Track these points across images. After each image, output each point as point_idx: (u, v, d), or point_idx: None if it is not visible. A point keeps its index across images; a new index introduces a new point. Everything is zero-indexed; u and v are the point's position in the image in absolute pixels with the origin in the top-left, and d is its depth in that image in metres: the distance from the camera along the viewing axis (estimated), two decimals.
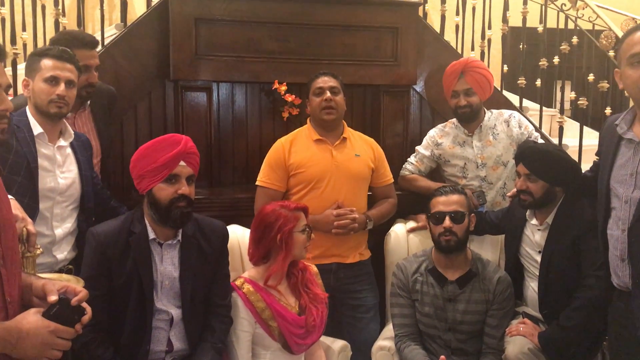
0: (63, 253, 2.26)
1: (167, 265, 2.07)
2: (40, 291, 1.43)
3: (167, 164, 1.98)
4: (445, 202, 2.44)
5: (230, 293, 2.18)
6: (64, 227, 2.27)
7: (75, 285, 1.52)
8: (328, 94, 2.67)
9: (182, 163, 2.01)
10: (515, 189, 2.69)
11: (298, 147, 2.71)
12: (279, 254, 2.19)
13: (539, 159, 2.39)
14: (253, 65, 3.17)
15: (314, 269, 2.41)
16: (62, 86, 2.17)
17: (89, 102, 2.66)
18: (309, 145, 2.71)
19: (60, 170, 2.25)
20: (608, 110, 3.73)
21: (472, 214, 2.49)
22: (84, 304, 1.42)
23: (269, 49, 3.18)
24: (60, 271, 2.22)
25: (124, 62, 3.08)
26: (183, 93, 3.12)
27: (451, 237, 2.37)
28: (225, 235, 2.22)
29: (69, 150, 2.32)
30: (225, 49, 3.13)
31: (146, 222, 2.06)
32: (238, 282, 2.19)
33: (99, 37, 3.14)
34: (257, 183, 2.72)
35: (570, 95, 3.79)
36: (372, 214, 2.74)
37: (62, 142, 2.28)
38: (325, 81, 2.71)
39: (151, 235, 2.05)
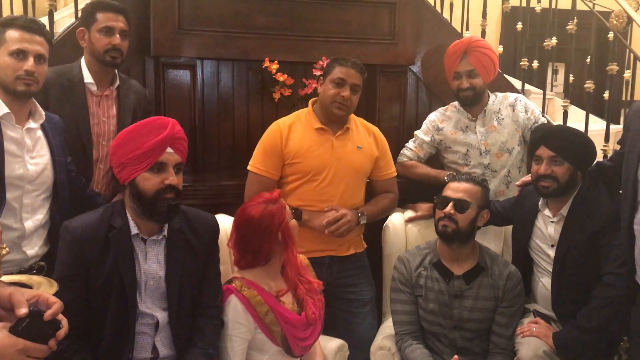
0: (34, 248, 2.04)
1: (151, 263, 1.86)
2: (6, 302, 1.22)
3: (152, 150, 1.77)
4: (455, 189, 2.29)
5: (221, 293, 1.99)
6: (35, 219, 2.04)
7: (48, 291, 1.33)
8: (348, 91, 2.44)
9: (169, 150, 1.80)
10: (524, 178, 2.56)
11: (297, 133, 2.49)
12: (284, 250, 2.02)
13: (566, 138, 2.25)
14: (241, 42, 2.95)
15: (305, 260, 2.26)
16: (30, 61, 1.95)
17: (117, 85, 2.53)
18: (309, 133, 2.50)
19: (30, 156, 2.03)
20: (606, 95, 3.61)
21: (486, 210, 2.32)
22: (59, 315, 1.22)
23: (258, 24, 2.96)
24: (30, 269, 2.00)
25: None
26: (165, 71, 2.90)
27: (449, 223, 2.22)
28: (216, 230, 2.03)
29: (39, 133, 2.09)
30: (211, 23, 2.90)
31: (128, 215, 1.84)
32: (236, 285, 1.99)
33: (71, 9, 2.90)
34: (249, 168, 2.51)
35: (570, 78, 3.64)
36: (366, 210, 2.56)
37: (31, 124, 2.05)
38: (350, 75, 2.45)
39: (134, 230, 1.84)
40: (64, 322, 1.24)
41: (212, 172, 3.08)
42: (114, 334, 1.80)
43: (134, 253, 1.83)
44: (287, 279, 2.07)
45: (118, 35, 2.41)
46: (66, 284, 1.66)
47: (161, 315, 1.87)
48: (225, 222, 2.43)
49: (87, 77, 2.44)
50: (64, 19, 3.43)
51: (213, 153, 3.13)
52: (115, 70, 2.54)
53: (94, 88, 2.46)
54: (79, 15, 2.48)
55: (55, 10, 3.05)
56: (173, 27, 2.84)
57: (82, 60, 2.48)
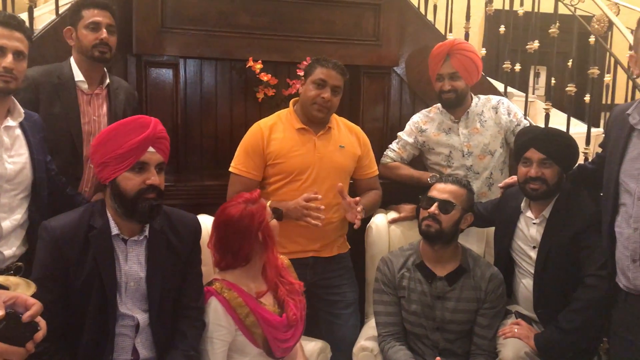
0: (11, 249, 1.99)
1: (132, 264, 1.83)
2: None
3: (133, 150, 1.74)
4: (441, 190, 2.29)
5: (202, 294, 1.96)
6: (13, 218, 2.00)
7: (26, 292, 1.29)
8: (329, 93, 2.43)
9: (150, 149, 1.77)
10: (507, 180, 2.57)
11: (279, 134, 2.48)
12: (265, 250, 2.00)
13: (556, 142, 2.26)
14: (224, 41, 2.93)
15: (286, 261, 2.24)
16: (9, 57, 1.91)
17: (107, 82, 2.52)
18: (290, 134, 2.48)
19: (7, 154, 1.98)
20: (587, 98, 3.65)
21: (470, 213, 2.32)
22: (37, 317, 1.19)
23: (242, 23, 2.95)
24: (8, 269, 1.96)
25: None
26: (147, 69, 2.87)
27: (432, 223, 2.22)
28: (198, 230, 2.00)
29: (18, 132, 2.04)
30: (194, 21, 2.88)
31: (108, 215, 1.81)
32: (217, 286, 1.97)
33: (52, 6, 2.85)
34: (231, 170, 2.50)
35: (551, 81, 3.67)
36: (362, 202, 2.52)
37: (9, 122, 2.01)
38: (331, 76, 2.44)
39: (114, 230, 1.80)
40: (42, 324, 1.22)
41: (195, 172, 3.05)
42: (94, 335, 1.76)
43: (115, 254, 1.80)
44: (267, 280, 2.05)
45: (105, 30, 2.42)
46: (45, 285, 1.63)
47: (142, 317, 1.84)
48: (207, 223, 2.38)
49: (78, 76, 2.44)
50: (44, 16, 3.39)
51: (195, 153, 3.10)
52: (105, 69, 2.54)
53: (84, 86, 2.46)
54: (68, 15, 2.48)
55: (35, 7, 3.00)
56: (156, 25, 2.82)
57: (72, 59, 2.48)
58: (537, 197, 2.27)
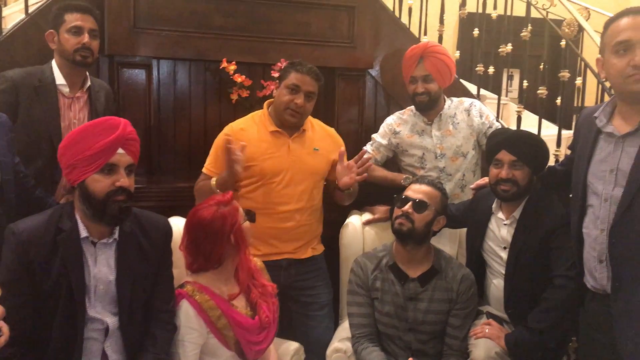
0: None
1: (101, 267, 1.81)
2: None
3: (102, 151, 1.72)
4: (416, 190, 2.32)
5: (174, 297, 1.95)
6: None
7: None
8: (302, 99, 2.42)
9: (120, 151, 1.76)
10: (479, 181, 2.59)
11: (251, 136, 2.47)
12: (237, 253, 1.99)
13: (527, 144, 2.29)
14: (198, 42, 2.91)
15: (259, 263, 2.23)
16: None
17: (88, 85, 2.52)
18: (264, 136, 2.47)
19: None
20: (558, 101, 3.70)
21: (442, 216, 2.34)
22: (0, 322, 1.17)
23: (216, 24, 2.93)
24: None
25: None
26: (119, 70, 2.84)
27: (405, 221, 2.24)
28: (169, 232, 1.98)
29: None
30: (167, 22, 2.85)
31: (77, 217, 1.78)
32: (188, 289, 1.95)
33: (22, 5, 2.81)
34: (203, 170, 2.50)
35: (524, 83, 3.72)
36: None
37: None
38: (305, 82, 2.42)
39: (83, 233, 1.78)
40: (5, 329, 1.19)
41: (168, 174, 3.02)
42: (62, 339, 1.74)
43: (83, 257, 1.78)
44: (239, 282, 2.04)
45: (87, 34, 2.42)
46: (11, 289, 1.60)
47: (111, 320, 1.82)
48: (180, 225, 2.35)
49: (59, 79, 2.44)
50: (14, 15, 3.33)
51: (169, 154, 3.07)
52: (87, 72, 2.54)
53: (65, 90, 2.45)
54: (50, 19, 2.46)
55: (5, 5, 2.95)
56: (128, 25, 2.78)
57: (53, 62, 2.47)
58: (508, 198, 2.29)
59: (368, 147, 2.96)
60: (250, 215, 2.07)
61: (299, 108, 2.42)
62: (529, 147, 2.28)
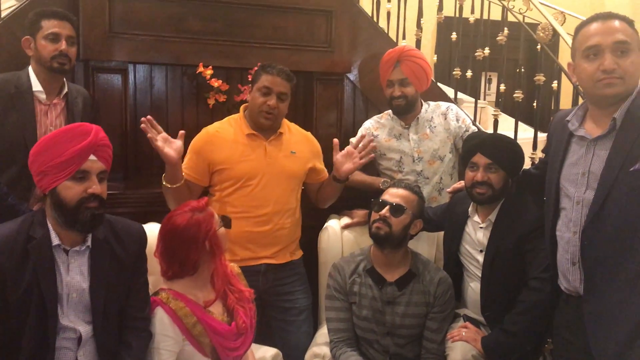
0: None
1: (74, 275, 1.78)
2: None
3: (74, 158, 1.69)
4: (393, 194, 2.32)
5: (149, 304, 1.93)
6: None
7: None
8: (274, 100, 2.42)
9: (92, 157, 1.73)
10: (456, 185, 2.61)
11: (227, 140, 2.46)
12: (212, 260, 1.97)
13: (502, 147, 2.30)
14: (174, 46, 2.90)
15: (236, 268, 2.22)
16: None
17: (65, 92, 2.50)
18: (240, 139, 2.47)
19: None
20: (535, 104, 3.74)
21: (419, 220, 2.35)
22: None
23: (192, 28, 2.92)
24: None
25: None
26: (95, 75, 2.82)
27: (383, 225, 2.25)
28: (143, 239, 1.95)
29: None
30: (143, 26, 2.84)
31: (49, 225, 1.75)
32: (163, 296, 1.94)
33: None
34: None
35: (501, 87, 3.75)
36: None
37: None
38: (276, 83, 2.43)
39: (55, 240, 1.75)
40: None
41: (144, 180, 2.99)
42: (33, 349, 1.70)
43: (55, 265, 1.74)
44: (215, 289, 2.02)
45: (64, 42, 2.40)
46: None
47: (84, 329, 1.78)
48: (157, 231, 2.33)
49: (36, 86, 2.42)
50: None
51: (145, 159, 3.04)
52: (64, 79, 2.52)
53: (42, 96, 2.44)
54: (27, 25, 2.43)
55: None
56: (103, 29, 2.77)
57: (30, 69, 2.45)
58: (483, 201, 2.31)
59: None
60: (226, 221, 2.06)
61: (272, 109, 2.42)
62: (504, 150, 2.29)
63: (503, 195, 2.31)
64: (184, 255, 1.93)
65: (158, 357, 1.88)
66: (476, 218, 2.38)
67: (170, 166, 2.31)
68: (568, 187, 1.88)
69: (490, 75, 5.31)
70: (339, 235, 2.76)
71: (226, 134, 2.47)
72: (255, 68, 2.87)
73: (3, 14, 2.77)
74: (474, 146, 2.34)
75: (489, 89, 5.53)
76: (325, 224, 2.79)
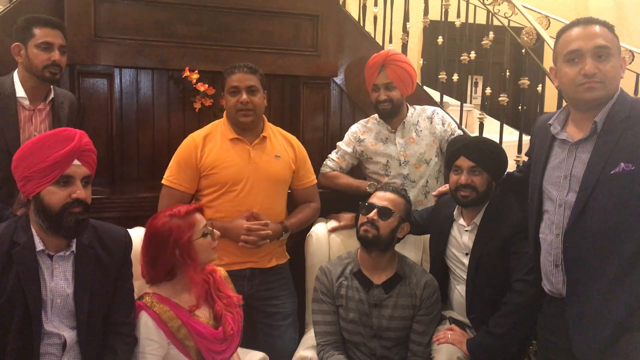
0: None
1: (58, 280, 1.77)
2: None
3: (58, 163, 1.69)
4: (380, 197, 2.34)
5: (134, 309, 1.92)
6: None
7: None
8: (244, 95, 2.42)
9: (76, 162, 1.73)
10: (441, 188, 2.62)
11: (212, 145, 2.46)
12: (186, 268, 1.95)
13: (485, 150, 2.32)
14: (160, 50, 2.89)
15: (223, 272, 2.21)
16: None
17: (51, 97, 2.47)
18: (225, 144, 2.47)
19: None
20: (520, 107, 3.77)
21: (407, 223, 2.36)
22: None
23: (178, 32, 2.91)
24: None
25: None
26: (80, 79, 2.80)
27: (370, 228, 2.26)
28: (128, 244, 1.94)
29: None
30: (129, 30, 2.83)
31: (33, 230, 1.74)
32: (147, 300, 1.93)
33: None
34: (163, 182, 2.47)
35: (487, 91, 3.78)
36: (290, 223, 2.56)
37: None
38: (241, 79, 2.43)
39: (39, 246, 1.74)
40: None
41: (130, 184, 2.98)
42: (17, 354, 1.69)
43: (39, 270, 1.74)
44: (196, 296, 2.01)
45: (57, 51, 2.37)
46: None
47: (69, 335, 1.78)
48: (142, 236, 2.36)
49: (20, 92, 2.38)
50: None
51: (131, 164, 3.04)
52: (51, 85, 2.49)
53: (26, 103, 2.40)
54: (17, 31, 2.39)
55: None
56: (89, 34, 2.75)
57: (15, 75, 2.41)
58: (467, 204, 2.33)
59: (333, 155, 2.98)
60: (209, 233, 2.03)
61: (247, 104, 2.42)
62: (487, 153, 2.32)
63: (487, 197, 2.33)
64: (154, 257, 1.94)
65: None
66: (461, 221, 2.39)
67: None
68: (551, 190, 1.89)
69: (476, 79, 5.35)
70: (325, 238, 2.76)
71: (212, 139, 2.47)
72: None
73: None
74: (458, 149, 2.36)
75: (475, 93, 5.57)
76: (312, 228, 2.78)
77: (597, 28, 1.77)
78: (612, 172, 1.73)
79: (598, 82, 1.75)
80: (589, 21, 1.79)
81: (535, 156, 2.02)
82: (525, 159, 2.34)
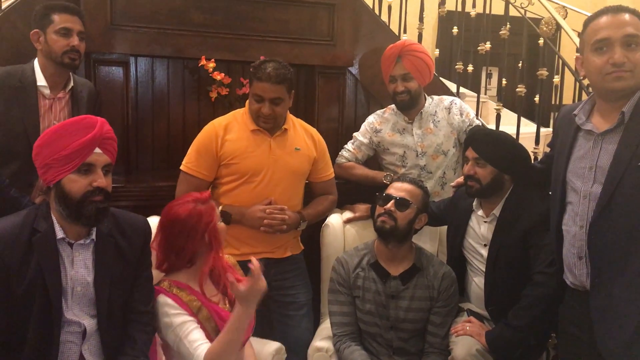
0: None
1: (79, 268, 1.76)
2: None
3: (79, 151, 1.67)
4: (398, 188, 2.32)
5: (153, 298, 1.91)
6: None
7: None
8: (267, 108, 2.36)
9: (97, 150, 1.71)
10: (459, 179, 2.60)
11: (233, 134, 2.44)
12: (210, 252, 1.94)
13: (490, 142, 2.29)
14: (176, 39, 2.87)
15: (231, 259, 2.19)
16: None
17: (70, 86, 2.47)
18: (245, 134, 2.44)
19: None
20: (537, 98, 3.73)
21: (424, 214, 2.34)
22: None
23: (194, 21, 2.89)
24: None
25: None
26: (96, 67, 2.79)
27: (388, 219, 2.24)
28: (147, 232, 1.94)
29: None
30: (145, 19, 2.81)
31: (53, 218, 1.74)
32: (165, 285, 1.92)
33: None
34: (181, 168, 2.45)
35: (503, 82, 3.74)
36: (307, 213, 2.55)
37: None
38: (266, 90, 2.33)
39: (59, 234, 1.73)
40: None
41: (146, 173, 2.98)
42: (37, 343, 1.69)
43: (60, 258, 1.73)
44: (213, 282, 2.00)
45: (76, 37, 2.38)
46: None
47: (89, 323, 1.77)
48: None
49: (40, 80, 2.39)
50: None
51: (147, 153, 3.03)
52: (70, 72, 2.49)
53: (46, 91, 2.41)
54: (36, 18, 2.39)
55: None
56: (105, 22, 2.74)
57: (36, 62, 2.42)
58: (472, 195, 2.33)
59: (349, 146, 2.96)
60: (225, 217, 2.04)
61: (267, 117, 2.38)
62: (491, 145, 2.28)
63: (496, 190, 2.30)
64: (181, 245, 1.90)
65: (181, 330, 1.83)
66: (480, 212, 2.37)
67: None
68: (575, 181, 1.87)
69: (490, 70, 5.31)
70: (341, 229, 2.75)
71: (232, 128, 2.45)
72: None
73: (4, 5, 2.74)
74: (466, 140, 2.39)
75: (489, 84, 5.52)
76: (327, 219, 2.77)
77: (626, 16, 1.74)
78: (639, 164, 1.70)
79: (627, 71, 1.71)
80: (618, 9, 1.76)
81: (559, 147, 1.99)
82: (545, 150, 2.31)
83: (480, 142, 2.29)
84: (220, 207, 2.07)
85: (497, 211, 2.31)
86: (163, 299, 1.90)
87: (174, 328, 1.86)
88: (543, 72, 3.14)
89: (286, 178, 2.47)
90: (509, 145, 2.30)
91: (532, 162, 2.41)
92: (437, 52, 4.04)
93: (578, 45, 2.05)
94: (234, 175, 2.42)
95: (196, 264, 1.97)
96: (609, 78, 1.74)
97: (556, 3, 4.00)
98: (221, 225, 1.99)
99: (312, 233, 2.75)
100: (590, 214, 1.80)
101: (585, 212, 1.82)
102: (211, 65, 2.89)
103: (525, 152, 2.33)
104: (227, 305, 2.02)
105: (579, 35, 1.88)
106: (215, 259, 1.96)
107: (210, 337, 1.92)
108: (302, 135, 2.57)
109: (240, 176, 2.41)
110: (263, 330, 2.37)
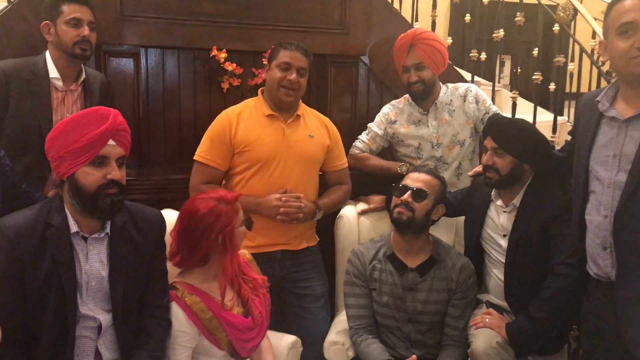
0: None
1: (93, 262, 1.74)
2: None
3: (93, 143, 1.65)
4: (415, 179, 2.27)
5: (167, 292, 1.89)
6: None
7: None
8: (294, 75, 2.38)
9: (111, 142, 1.69)
10: (476, 168, 2.55)
11: (246, 121, 2.41)
12: (224, 255, 1.90)
13: (508, 131, 2.24)
14: (187, 29, 2.84)
15: (248, 255, 2.17)
16: None
17: (83, 78, 2.46)
18: (259, 121, 2.42)
19: None
20: (552, 86, 3.68)
21: (442, 205, 2.30)
22: None
23: (205, 11, 2.85)
24: None
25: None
26: (107, 59, 2.76)
27: (405, 210, 2.20)
28: (162, 226, 1.91)
29: None
30: (156, 9, 2.78)
31: (67, 212, 1.71)
32: (178, 292, 1.89)
33: None
34: (195, 157, 2.42)
35: (517, 70, 3.68)
36: (322, 203, 2.51)
37: None
38: (295, 58, 2.39)
39: (73, 228, 1.71)
40: None
41: (158, 166, 2.96)
42: (53, 339, 1.67)
43: (74, 252, 1.71)
44: (220, 285, 1.95)
45: (86, 27, 2.37)
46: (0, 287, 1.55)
47: (104, 318, 1.76)
48: (171, 218, 2.29)
49: (53, 72, 2.38)
50: None
51: (158, 145, 3.00)
52: (82, 64, 2.48)
53: (59, 83, 2.40)
54: (46, 9, 2.39)
55: None
56: (115, 12, 2.71)
57: (47, 54, 2.41)
58: (491, 185, 2.29)
59: (363, 136, 2.92)
60: (248, 223, 1.99)
61: (293, 84, 2.37)
62: (510, 135, 2.23)
63: (515, 180, 2.25)
64: (195, 242, 1.87)
65: (173, 352, 1.85)
66: (499, 202, 2.33)
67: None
68: (598, 169, 1.82)
69: (503, 58, 5.24)
70: (355, 221, 2.72)
71: (245, 116, 2.42)
72: (269, 50, 2.82)
73: None
74: (485, 129, 2.34)
75: (502, 72, 5.46)
76: (342, 211, 2.74)
77: None
78: None
79: None
80: None
81: (581, 135, 1.94)
82: (565, 138, 2.26)
83: (499, 131, 2.24)
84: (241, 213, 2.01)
85: (517, 201, 2.26)
86: (175, 308, 1.87)
87: (170, 343, 1.86)
88: (560, 59, 3.07)
89: (300, 165, 2.43)
90: (529, 135, 2.25)
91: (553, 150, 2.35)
92: (449, 40, 3.98)
93: (595, 30, 2.00)
94: (247, 162, 2.39)
95: (209, 263, 1.93)
96: (634, 62, 1.69)
97: None
98: (241, 229, 1.95)
99: (326, 225, 2.72)
100: (615, 204, 1.75)
101: (610, 202, 1.77)
102: (222, 55, 2.85)
103: (546, 140, 2.27)
104: (240, 307, 1.99)
105: (604, 17, 1.83)
106: (227, 262, 1.91)
107: (219, 346, 1.91)
108: (316, 123, 2.54)
109: (254, 163, 2.38)
110: (279, 323, 2.35)
